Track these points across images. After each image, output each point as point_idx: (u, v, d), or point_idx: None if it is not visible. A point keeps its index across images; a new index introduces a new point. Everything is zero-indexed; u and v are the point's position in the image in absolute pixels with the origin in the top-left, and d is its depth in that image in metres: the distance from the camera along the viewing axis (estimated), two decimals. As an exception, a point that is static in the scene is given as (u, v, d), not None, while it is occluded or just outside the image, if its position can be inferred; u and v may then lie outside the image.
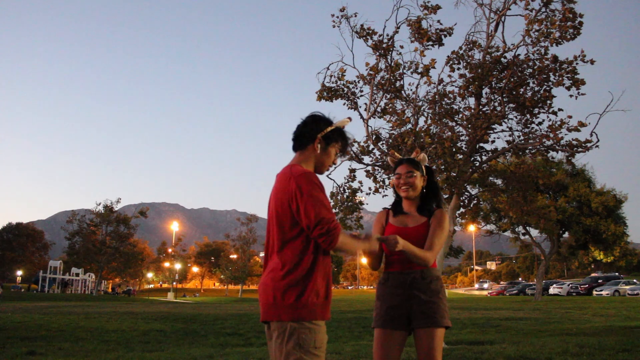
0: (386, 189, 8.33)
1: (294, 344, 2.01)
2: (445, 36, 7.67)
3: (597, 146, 7.01)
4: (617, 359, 5.67)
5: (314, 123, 2.25)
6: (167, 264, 72.38)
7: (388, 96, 8.13)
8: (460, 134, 7.77)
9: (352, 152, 7.97)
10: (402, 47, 7.78)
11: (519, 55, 7.48)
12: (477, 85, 7.59)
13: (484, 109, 7.74)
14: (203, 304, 32.86)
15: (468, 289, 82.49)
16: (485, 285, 61.16)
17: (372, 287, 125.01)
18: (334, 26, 7.80)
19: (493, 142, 7.91)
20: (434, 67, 7.60)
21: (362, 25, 7.76)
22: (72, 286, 56.88)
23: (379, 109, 8.14)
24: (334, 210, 8.22)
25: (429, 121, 7.87)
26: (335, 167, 8.10)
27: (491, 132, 7.71)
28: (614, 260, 50.45)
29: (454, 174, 7.57)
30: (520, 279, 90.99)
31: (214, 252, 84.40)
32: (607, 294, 34.02)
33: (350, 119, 2.31)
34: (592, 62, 7.15)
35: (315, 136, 2.23)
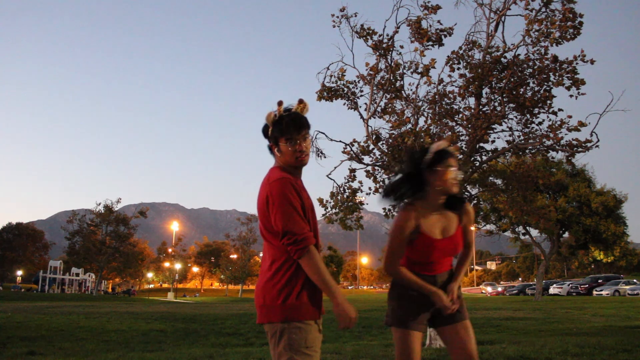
0: (386, 189, 8.33)
1: (284, 344, 2.02)
2: (445, 36, 7.67)
3: (597, 146, 7.01)
4: (617, 359, 5.67)
5: (263, 130, 2.26)
6: (167, 264, 72.40)
7: (388, 96, 8.13)
8: (460, 134, 7.77)
9: (352, 151, 7.97)
10: (402, 47, 7.79)
11: (519, 55, 7.48)
12: (477, 85, 7.59)
13: (484, 109, 7.74)
14: (203, 304, 32.86)
15: (469, 289, 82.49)
16: (498, 289, 55.69)
17: (372, 287, 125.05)
18: (334, 26, 7.80)
19: (493, 142, 7.91)
20: (434, 67, 7.60)
21: (362, 25, 7.76)
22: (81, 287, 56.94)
23: (379, 109, 8.14)
24: (334, 210, 8.24)
25: (429, 121, 7.87)
26: (335, 167, 8.11)
27: (491, 132, 7.71)
28: (614, 260, 50.45)
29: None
30: (520, 279, 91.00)
31: (214, 252, 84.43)
32: (607, 294, 34.02)
33: (279, 102, 2.19)
34: (592, 62, 7.15)
35: (269, 142, 2.24)
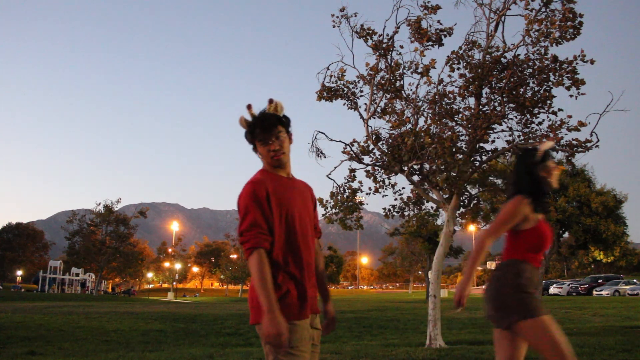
0: (386, 189, 8.33)
1: (270, 345, 2.04)
2: (445, 36, 7.67)
3: (597, 146, 7.00)
4: (617, 359, 5.67)
5: (245, 135, 2.29)
6: (167, 264, 72.39)
7: (388, 96, 8.12)
8: (460, 134, 7.76)
9: (352, 151, 7.97)
10: (402, 47, 7.79)
11: (519, 55, 7.47)
12: (477, 85, 7.59)
13: (484, 109, 7.73)
14: (203, 304, 32.86)
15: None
16: None
17: (372, 287, 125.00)
18: (334, 26, 7.80)
19: (493, 142, 7.91)
20: (434, 67, 7.60)
21: (362, 25, 7.76)
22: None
23: (379, 109, 8.13)
24: (334, 210, 8.24)
25: (429, 121, 7.86)
26: (335, 168, 8.11)
27: (491, 132, 7.70)
28: (614, 260, 50.44)
29: (454, 174, 7.56)
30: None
31: (214, 252, 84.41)
32: (607, 294, 34.02)
33: (248, 106, 2.23)
34: (592, 62, 7.15)
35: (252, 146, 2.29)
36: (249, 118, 2.22)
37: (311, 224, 2.26)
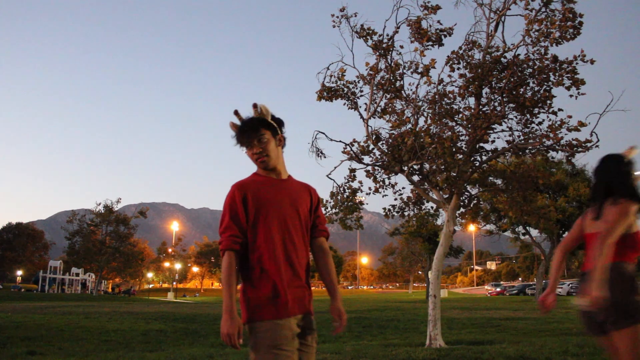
0: (386, 189, 8.33)
1: (251, 344, 2.09)
2: (445, 36, 7.67)
3: (597, 146, 7.00)
4: (617, 359, 5.66)
5: None
6: (167, 264, 72.40)
7: (388, 96, 8.12)
8: (460, 134, 7.76)
9: (352, 151, 7.96)
10: (402, 47, 7.78)
11: (519, 55, 7.47)
12: (477, 85, 7.58)
13: (484, 109, 7.73)
14: (203, 304, 32.85)
15: (468, 289, 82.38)
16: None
17: (372, 287, 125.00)
18: (334, 26, 7.79)
19: (493, 142, 7.91)
20: (434, 67, 7.60)
21: (362, 25, 7.75)
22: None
23: (379, 109, 8.13)
24: (334, 210, 8.24)
25: (429, 121, 7.86)
26: (335, 167, 8.11)
27: (491, 132, 7.70)
28: (614, 260, 50.30)
29: (454, 174, 7.56)
30: (520, 279, 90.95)
31: (214, 252, 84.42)
32: (607, 294, 33.96)
33: (235, 112, 2.29)
34: (592, 62, 7.15)
35: None
36: (238, 123, 2.28)
37: (303, 224, 2.27)
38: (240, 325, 2.06)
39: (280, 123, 2.33)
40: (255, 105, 2.27)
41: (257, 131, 2.22)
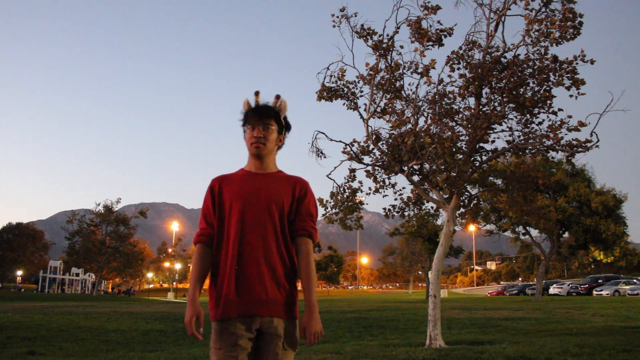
0: (386, 189, 8.33)
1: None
2: (445, 36, 7.66)
3: (597, 146, 7.00)
4: (617, 359, 5.67)
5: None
6: (167, 264, 72.38)
7: (388, 96, 8.12)
8: (460, 134, 7.76)
9: (352, 151, 7.96)
10: (402, 47, 7.78)
11: (519, 55, 7.47)
12: (477, 85, 7.58)
13: (484, 109, 7.73)
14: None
15: (468, 289, 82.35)
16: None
17: (372, 287, 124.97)
18: (334, 26, 7.79)
19: (493, 142, 7.91)
20: (433, 67, 7.59)
21: (362, 25, 7.75)
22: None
23: (378, 109, 8.13)
24: (334, 210, 8.24)
25: (429, 121, 7.86)
26: (335, 167, 8.11)
27: (491, 132, 7.70)
28: (614, 260, 50.43)
29: (454, 174, 7.56)
30: (520, 279, 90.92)
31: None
32: (607, 294, 34.02)
33: (256, 92, 2.26)
34: (592, 62, 7.15)
35: None
36: (252, 104, 2.27)
37: (278, 221, 2.14)
38: (200, 314, 2.06)
39: (288, 126, 2.32)
40: (278, 97, 2.26)
41: (269, 117, 2.20)
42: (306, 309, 2.12)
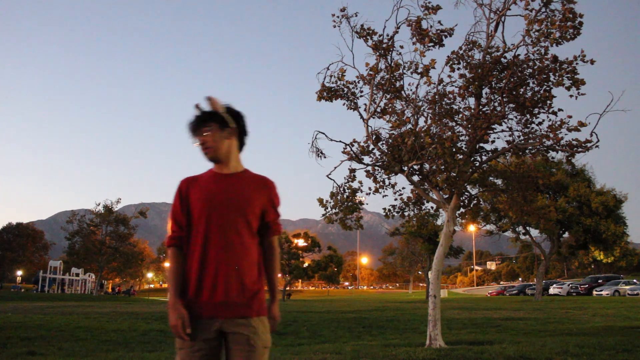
0: (386, 189, 8.33)
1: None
2: (445, 37, 7.66)
3: (597, 146, 7.00)
4: (617, 359, 5.67)
5: None
6: (167, 264, 72.32)
7: (388, 96, 8.12)
8: (460, 134, 7.76)
9: (352, 152, 7.96)
10: (402, 47, 7.78)
11: (519, 55, 7.47)
12: (477, 85, 7.58)
13: (484, 109, 7.73)
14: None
15: (468, 289, 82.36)
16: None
17: (372, 287, 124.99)
18: (334, 26, 7.79)
19: (493, 142, 7.91)
20: (433, 67, 7.59)
21: (362, 25, 7.75)
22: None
23: (378, 109, 8.13)
24: (334, 210, 8.24)
25: (429, 121, 7.86)
26: (335, 168, 8.11)
27: (491, 132, 7.70)
28: (614, 261, 50.43)
29: (454, 174, 7.56)
30: (520, 279, 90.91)
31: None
32: (607, 294, 34.03)
33: (195, 106, 2.29)
34: (592, 62, 7.15)
35: None
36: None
37: (246, 222, 2.16)
38: (184, 317, 2.10)
39: (235, 115, 2.29)
40: (206, 98, 2.28)
41: (203, 123, 2.23)
42: (273, 300, 2.29)
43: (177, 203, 2.22)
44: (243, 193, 2.19)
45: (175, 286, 2.16)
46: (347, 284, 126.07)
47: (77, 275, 58.59)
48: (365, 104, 8.12)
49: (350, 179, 8.16)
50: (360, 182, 8.18)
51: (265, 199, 2.24)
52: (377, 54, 7.81)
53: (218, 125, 2.23)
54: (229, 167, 2.26)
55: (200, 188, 2.20)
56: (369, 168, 8.17)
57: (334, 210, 8.24)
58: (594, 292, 35.90)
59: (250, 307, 2.12)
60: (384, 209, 8.78)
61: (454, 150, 7.15)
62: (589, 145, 6.97)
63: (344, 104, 8.24)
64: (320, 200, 8.20)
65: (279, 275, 2.34)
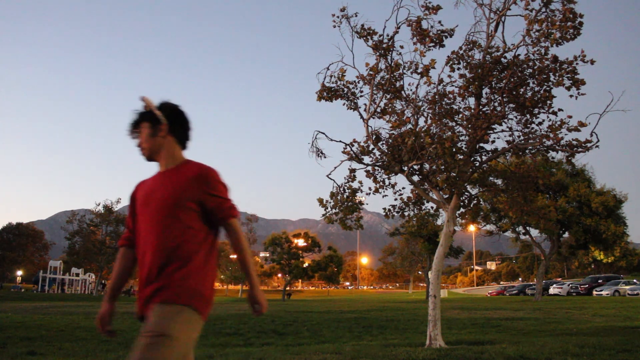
0: (386, 189, 8.33)
1: None
2: (445, 37, 7.67)
3: (597, 146, 7.00)
4: (617, 359, 5.67)
5: None
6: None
7: (388, 96, 8.12)
8: (460, 134, 7.76)
9: (352, 152, 7.96)
10: (402, 47, 7.78)
11: (519, 55, 7.47)
12: (477, 85, 7.58)
13: (484, 109, 7.73)
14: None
15: (468, 289, 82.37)
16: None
17: (372, 287, 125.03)
18: (334, 26, 7.79)
19: (493, 142, 7.91)
20: (433, 67, 7.59)
21: (362, 25, 7.75)
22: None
23: (378, 109, 8.13)
24: (334, 210, 8.24)
25: (429, 121, 7.86)
26: (335, 168, 8.11)
27: (491, 132, 7.70)
28: (614, 261, 50.44)
29: (454, 174, 7.56)
30: (520, 279, 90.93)
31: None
32: (607, 294, 34.03)
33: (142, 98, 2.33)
34: (592, 62, 7.15)
35: None
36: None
37: (173, 216, 2.10)
38: (102, 314, 2.26)
39: (169, 111, 2.28)
40: (140, 99, 2.31)
41: (135, 125, 2.31)
42: (251, 285, 2.18)
43: (128, 206, 2.34)
44: (172, 187, 2.15)
45: (110, 285, 2.31)
46: (347, 284, 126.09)
47: (77, 275, 58.59)
48: (365, 104, 8.13)
49: (350, 179, 8.16)
50: (360, 182, 8.18)
51: (197, 189, 2.15)
52: (377, 54, 7.81)
53: (150, 125, 2.26)
54: (165, 164, 2.28)
55: (143, 189, 2.28)
56: (369, 168, 8.17)
57: (334, 210, 8.24)
58: (594, 292, 35.90)
59: (157, 295, 2.05)
60: (384, 209, 8.78)
61: (454, 150, 7.15)
62: (589, 145, 6.97)
63: (344, 104, 8.25)
64: (320, 200, 8.20)
65: (254, 261, 2.29)
